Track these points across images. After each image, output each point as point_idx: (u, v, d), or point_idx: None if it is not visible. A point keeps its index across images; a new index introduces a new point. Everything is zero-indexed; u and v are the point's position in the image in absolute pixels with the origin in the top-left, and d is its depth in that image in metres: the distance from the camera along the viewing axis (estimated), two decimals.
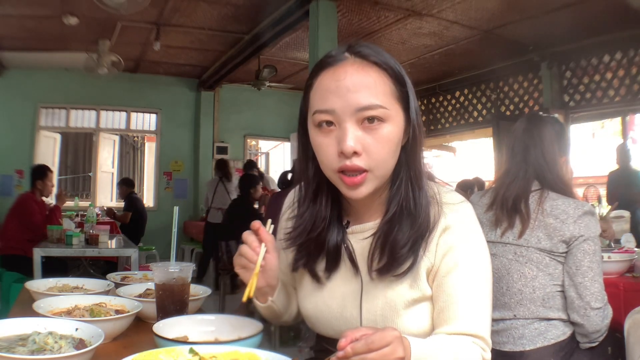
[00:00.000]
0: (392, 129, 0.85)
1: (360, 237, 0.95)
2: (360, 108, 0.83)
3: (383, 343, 0.70)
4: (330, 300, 0.97)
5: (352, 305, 0.94)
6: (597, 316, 1.49)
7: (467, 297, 0.89)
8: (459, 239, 0.91)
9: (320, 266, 0.97)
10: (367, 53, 0.87)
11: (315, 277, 0.98)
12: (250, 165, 6.68)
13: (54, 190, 4.98)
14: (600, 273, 1.54)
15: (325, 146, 0.86)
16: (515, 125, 1.78)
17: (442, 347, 0.84)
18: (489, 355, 0.90)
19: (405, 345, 0.76)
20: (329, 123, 0.86)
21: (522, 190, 1.65)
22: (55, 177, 5.06)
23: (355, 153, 0.84)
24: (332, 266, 0.96)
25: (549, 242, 1.56)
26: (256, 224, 0.91)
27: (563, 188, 1.63)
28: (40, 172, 4.44)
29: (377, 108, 0.83)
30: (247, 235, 0.92)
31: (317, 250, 0.95)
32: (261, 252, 0.90)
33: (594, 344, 1.55)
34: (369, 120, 0.84)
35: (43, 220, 4.23)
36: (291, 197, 1.07)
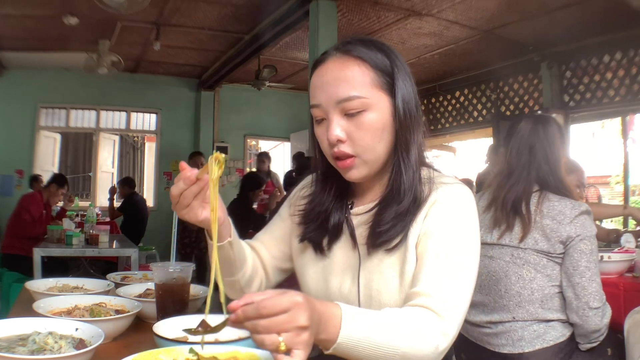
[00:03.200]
0: (375, 116, 0.91)
1: (360, 216, 1.00)
2: (339, 100, 0.90)
3: (277, 309, 0.63)
4: (330, 275, 1.01)
5: (351, 281, 0.98)
6: (595, 316, 1.49)
7: (440, 261, 0.86)
8: (445, 209, 0.92)
9: (325, 240, 1.03)
10: (350, 48, 0.93)
11: (319, 249, 1.03)
12: (262, 156, 6.42)
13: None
14: (598, 273, 1.54)
15: (321, 136, 0.96)
16: (520, 125, 1.75)
17: (384, 318, 0.75)
18: (450, 329, 0.79)
19: (330, 314, 0.70)
20: (321, 116, 0.94)
21: (522, 192, 1.64)
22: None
23: (340, 141, 0.91)
24: (334, 238, 1.02)
25: (546, 243, 1.56)
26: (183, 164, 0.82)
27: (565, 193, 1.63)
28: (62, 181, 4.76)
29: (355, 99, 0.90)
30: (184, 175, 0.81)
31: (323, 225, 1.02)
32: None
33: (594, 344, 1.55)
34: (350, 110, 0.90)
35: (45, 221, 4.26)
36: (307, 180, 1.14)
